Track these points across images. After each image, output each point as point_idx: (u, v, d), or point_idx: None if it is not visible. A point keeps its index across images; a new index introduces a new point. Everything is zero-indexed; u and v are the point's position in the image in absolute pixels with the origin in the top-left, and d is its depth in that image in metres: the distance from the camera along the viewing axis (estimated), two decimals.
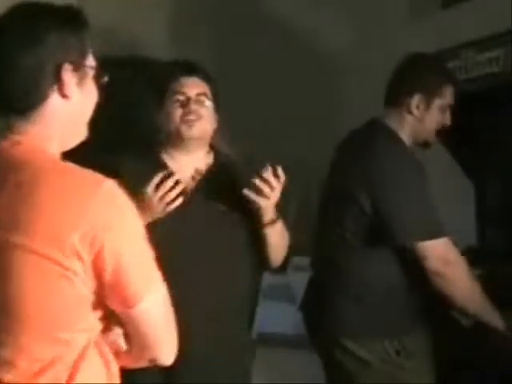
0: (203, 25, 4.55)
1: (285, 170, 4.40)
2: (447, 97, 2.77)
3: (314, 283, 2.94)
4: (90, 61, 1.61)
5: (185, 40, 4.54)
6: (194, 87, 2.65)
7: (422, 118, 2.75)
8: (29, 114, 1.54)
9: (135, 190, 2.33)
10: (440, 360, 2.72)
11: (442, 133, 2.84)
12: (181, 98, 2.62)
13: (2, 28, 1.55)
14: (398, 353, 2.65)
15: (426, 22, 4.04)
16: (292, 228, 4.36)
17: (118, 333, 1.58)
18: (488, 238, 3.65)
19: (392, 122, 2.77)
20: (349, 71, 4.63)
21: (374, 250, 2.68)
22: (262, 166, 2.50)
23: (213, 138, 2.71)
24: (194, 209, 2.53)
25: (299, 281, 3.83)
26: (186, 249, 2.49)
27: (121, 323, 1.57)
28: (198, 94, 2.64)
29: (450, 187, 3.62)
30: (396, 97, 2.78)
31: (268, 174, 2.47)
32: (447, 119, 2.79)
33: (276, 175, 2.49)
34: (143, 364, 1.64)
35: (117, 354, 1.60)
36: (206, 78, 2.71)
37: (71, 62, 1.54)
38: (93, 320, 1.54)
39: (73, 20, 1.58)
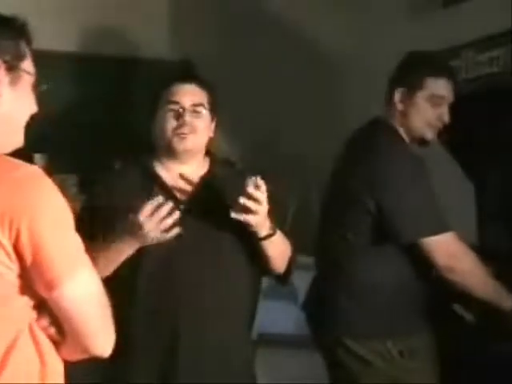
0: (203, 25, 4.55)
1: (285, 169, 4.42)
2: (430, 88, 2.73)
3: (316, 283, 2.94)
4: (28, 66, 1.62)
5: (185, 40, 4.55)
6: (189, 96, 2.47)
7: (408, 113, 2.74)
8: None
9: (127, 204, 2.33)
10: (442, 360, 2.72)
11: (442, 133, 2.84)
12: (175, 107, 2.46)
13: None
14: (400, 353, 2.65)
15: (426, 22, 4.04)
16: (292, 228, 4.37)
17: (47, 319, 1.58)
18: (488, 238, 3.65)
19: (392, 120, 2.78)
20: (349, 71, 4.63)
21: (376, 250, 2.68)
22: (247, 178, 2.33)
23: (208, 145, 2.57)
24: (191, 220, 2.40)
25: (300, 280, 3.84)
26: (185, 261, 2.41)
27: (51, 311, 1.57)
28: (194, 105, 2.47)
29: (450, 187, 3.62)
30: (387, 94, 2.80)
31: (251, 188, 2.29)
32: (444, 115, 2.75)
33: (257, 186, 2.30)
34: (80, 356, 1.62)
35: (55, 344, 1.60)
36: (204, 84, 2.53)
37: (4, 62, 1.57)
38: (20, 308, 1.54)
39: (12, 26, 1.61)
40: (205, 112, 2.50)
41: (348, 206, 2.73)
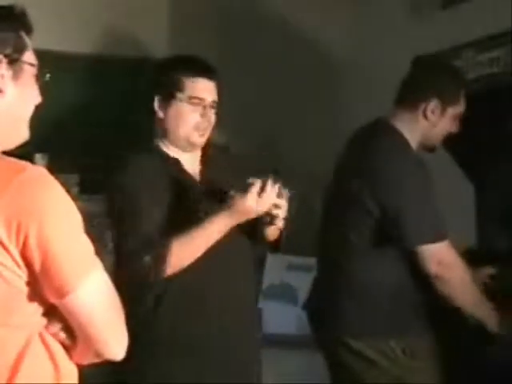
0: (203, 25, 4.55)
1: (285, 169, 4.42)
2: (461, 105, 2.78)
3: (318, 283, 2.94)
4: (30, 58, 1.57)
5: (185, 40, 4.54)
6: (212, 93, 2.56)
7: (436, 124, 2.76)
8: None
9: (151, 187, 2.44)
10: (444, 359, 2.72)
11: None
12: (199, 103, 2.53)
13: None
14: (403, 352, 2.65)
15: (426, 22, 4.04)
16: (292, 228, 4.37)
17: (57, 325, 1.54)
18: (488, 238, 3.65)
19: (400, 123, 2.76)
20: (349, 71, 4.63)
21: (377, 251, 2.68)
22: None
23: None
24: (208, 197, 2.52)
25: (301, 281, 3.84)
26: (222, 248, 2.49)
27: (62, 316, 1.53)
28: (214, 102, 2.57)
29: (450, 187, 3.62)
30: (411, 99, 2.77)
31: (282, 200, 2.45)
32: (455, 127, 2.80)
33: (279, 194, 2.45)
34: (92, 359, 1.58)
35: (66, 348, 1.56)
36: (218, 81, 2.60)
37: (6, 56, 1.52)
38: (30, 315, 1.50)
39: (10, 17, 1.55)
40: (215, 108, 2.59)
41: (349, 206, 2.73)
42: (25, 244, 1.43)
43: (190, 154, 2.59)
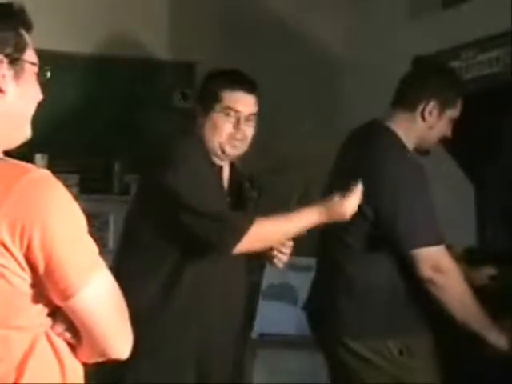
0: (203, 25, 4.56)
1: (285, 169, 4.42)
2: (458, 109, 2.78)
3: (317, 283, 2.94)
4: (30, 56, 1.55)
5: (185, 40, 4.55)
6: (249, 106, 2.61)
7: (433, 126, 2.75)
8: None
9: (213, 182, 2.55)
10: (443, 359, 2.72)
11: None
12: (234, 114, 2.58)
13: None
14: (401, 352, 2.65)
15: (426, 22, 4.04)
16: None
17: (62, 326, 1.53)
18: (488, 238, 3.65)
19: (396, 125, 2.75)
20: (349, 71, 4.63)
21: (375, 253, 2.68)
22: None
23: None
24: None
25: (300, 281, 3.84)
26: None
27: (67, 316, 1.53)
28: (250, 115, 2.61)
29: (450, 187, 3.62)
30: (409, 100, 2.76)
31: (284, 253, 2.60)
32: (449, 131, 2.80)
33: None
34: (97, 358, 1.58)
35: (72, 348, 1.56)
36: (257, 95, 2.67)
37: (7, 56, 1.50)
38: (35, 316, 1.50)
39: (10, 14, 1.53)
40: (254, 121, 2.64)
41: None
42: (29, 247, 1.42)
43: (224, 162, 2.66)
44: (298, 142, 4.54)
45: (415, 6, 4.20)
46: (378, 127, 2.77)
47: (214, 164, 2.60)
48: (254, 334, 3.94)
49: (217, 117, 2.58)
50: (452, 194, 3.62)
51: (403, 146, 2.73)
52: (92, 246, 1.51)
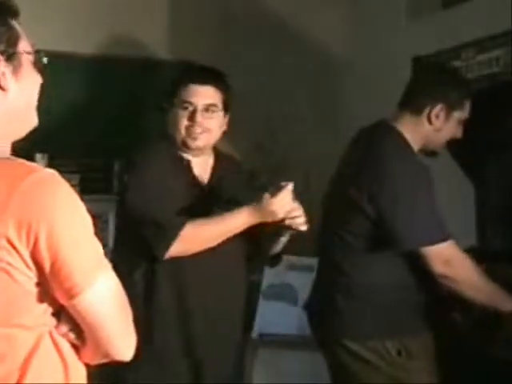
0: (203, 25, 4.55)
1: (284, 169, 4.42)
2: (466, 110, 2.78)
3: (317, 283, 2.94)
4: (24, 46, 1.55)
5: (185, 40, 4.55)
6: (203, 97, 2.63)
7: (440, 129, 2.75)
8: None
9: (163, 185, 2.54)
10: (441, 360, 2.72)
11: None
12: (188, 107, 2.62)
13: None
14: (399, 353, 2.65)
15: (426, 22, 4.04)
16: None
17: (66, 326, 1.54)
18: (488, 238, 3.65)
19: (403, 126, 2.75)
20: (349, 71, 4.63)
21: (375, 253, 2.68)
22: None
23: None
24: (213, 200, 2.61)
25: (301, 281, 3.84)
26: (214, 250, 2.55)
27: (71, 316, 1.53)
28: (207, 105, 2.63)
29: (450, 187, 3.62)
30: (415, 103, 2.76)
31: (294, 208, 2.53)
32: (459, 132, 2.80)
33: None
34: (101, 359, 1.58)
35: (76, 348, 1.56)
36: (219, 86, 2.67)
37: (2, 53, 1.50)
38: (40, 315, 1.50)
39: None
40: (218, 112, 2.65)
41: (348, 208, 2.73)
42: (35, 245, 1.43)
43: (198, 158, 2.68)
44: (298, 142, 4.54)
45: (415, 6, 4.20)
46: (383, 127, 2.77)
47: (181, 160, 2.65)
48: (254, 334, 3.94)
49: (175, 112, 2.64)
50: (452, 194, 3.62)
51: (408, 147, 2.73)
52: (97, 247, 1.52)
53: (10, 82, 1.52)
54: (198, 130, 2.61)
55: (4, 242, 1.42)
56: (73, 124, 4.25)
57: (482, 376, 2.80)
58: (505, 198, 3.59)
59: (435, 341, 2.73)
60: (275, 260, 2.82)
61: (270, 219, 2.49)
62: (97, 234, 1.55)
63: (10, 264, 1.43)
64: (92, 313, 1.49)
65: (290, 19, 4.63)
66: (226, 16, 4.57)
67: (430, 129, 2.75)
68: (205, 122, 2.62)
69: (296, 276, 3.97)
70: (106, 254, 1.58)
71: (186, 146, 2.63)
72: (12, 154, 1.57)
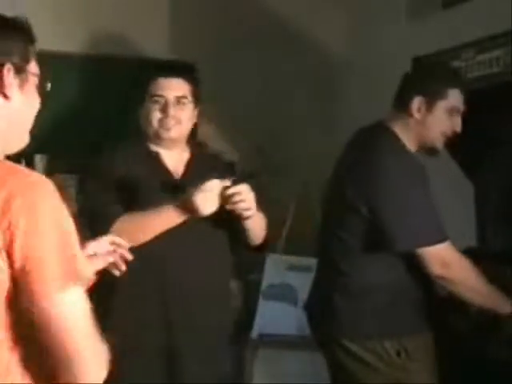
0: (203, 25, 4.55)
1: (284, 170, 4.42)
2: (451, 99, 2.74)
3: (316, 283, 2.94)
4: (34, 68, 1.64)
5: (185, 40, 4.55)
6: (173, 90, 2.70)
7: (425, 121, 2.72)
8: None
9: (131, 181, 2.59)
10: (441, 360, 2.72)
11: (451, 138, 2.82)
12: (160, 100, 2.69)
13: None
14: (398, 353, 2.65)
15: (426, 22, 4.04)
16: (292, 229, 4.38)
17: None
18: (488, 238, 3.65)
19: (396, 126, 2.75)
20: (349, 71, 4.63)
21: (373, 253, 2.68)
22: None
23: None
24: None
25: (300, 281, 3.84)
26: (181, 238, 2.57)
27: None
28: (178, 97, 2.69)
29: (450, 187, 3.62)
30: (400, 101, 2.76)
31: (235, 188, 2.53)
32: (457, 125, 2.76)
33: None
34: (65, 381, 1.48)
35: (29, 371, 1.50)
36: (188, 78, 2.75)
37: (13, 64, 1.59)
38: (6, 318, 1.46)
39: (17, 28, 1.62)
40: (188, 103, 2.71)
41: (344, 210, 2.72)
42: (10, 245, 1.43)
43: (171, 151, 2.74)
44: (297, 142, 4.54)
45: (415, 6, 4.20)
46: (378, 128, 2.77)
47: (149, 153, 2.71)
48: (254, 334, 3.94)
49: (147, 106, 2.72)
50: (452, 194, 3.62)
51: (402, 146, 2.72)
52: (75, 257, 1.48)
53: (14, 93, 1.59)
54: (171, 121, 2.68)
55: None
56: (72, 124, 4.25)
57: (480, 377, 2.80)
58: (505, 198, 3.59)
59: (434, 341, 2.73)
60: (260, 247, 2.82)
61: (196, 215, 2.50)
62: None
63: None
64: (57, 322, 1.44)
65: (290, 19, 4.63)
66: (225, 16, 4.57)
67: (415, 123, 2.73)
68: (177, 114, 2.68)
69: (296, 276, 3.97)
70: None
71: (158, 139, 2.70)
72: (13, 155, 1.61)
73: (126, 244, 2.10)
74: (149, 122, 2.71)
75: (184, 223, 2.55)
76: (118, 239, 2.09)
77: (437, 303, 2.75)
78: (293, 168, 4.43)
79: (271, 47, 4.59)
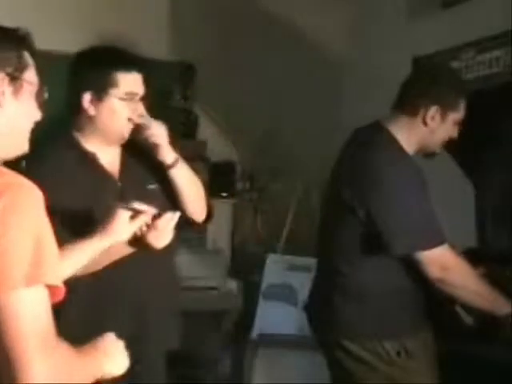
0: (203, 25, 4.56)
1: (285, 170, 4.42)
2: (461, 112, 2.76)
3: (316, 284, 2.94)
4: (30, 77, 1.66)
5: (185, 40, 4.55)
6: (139, 87, 2.54)
7: (435, 130, 2.74)
8: None
9: (63, 183, 2.40)
10: (441, 360, 2.72)
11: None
12: (133, 98, 2.52)
13: None
14: (398, 353, 2.65)
15: (426, 22, 4.04)
16: (292, 229, 4.38)
17: None
18: (488, 238, 3.65)
19: (397, 128, 2.74)
20: (349, 72, 4.63)
21: (372, 255, 2.68)
22: None
23: None
24: (129, 198, 2.41)
25: (300, 281, 3.84)
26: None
27: None
28: (141, 95, 2.55)
29: (450, 187, 3.62)
30: (410, 105, 2.75)
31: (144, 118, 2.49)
32: (455, 133, 2.79)
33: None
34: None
35: None
36: (146, 74, 2.58)
37: (8, 74, 1.61)
38: None
39: (14, 37, 1.65)
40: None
41: (342, 212, 2.72)
42: None
43: (108, 149, 2.58)
44: (297, 143, 4.54)
45: (415, 6, 4.21)
46: (376, 129, 2.76)
47: (85, 154, 2.52)
48: (254, 334, 3.95)
49: (115, 102, 2.52)
50: (452, 194, 3.62)
51: (401, 149, 2.72)
52: (44, 257, 1.47)
53: (7, 101, 1.61)
54: (136, 119, 2.52)
55: None
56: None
57: (480, 377, 2.80)
58: (505, 199, 3.59)
59: (435, 340, 2.73)
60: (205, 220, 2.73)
61: (116, 241, 2.32)
62: None
63: None
64: (13, 317, 1.42)
65: (290, 19, 4.63)
66: (226, 16, 4.57)
67: (426, 130, 2.74)
68: (143, 112, 2.54)
69: (296, 276, 3.97)
70: None
71: (120, 138, 2.53)
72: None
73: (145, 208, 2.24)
74: (118, 119, 2.51)
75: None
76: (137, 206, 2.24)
77: (436, 303, 2.75)
78: (293, 168, 4.43)
79: (271, 47, 4.59)
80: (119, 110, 2.52)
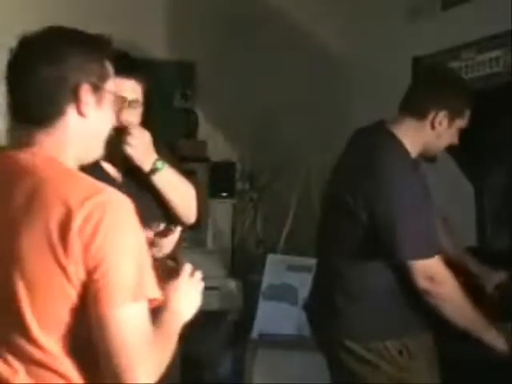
0: (203, 25, 4.56)
1: (285, 170, 4.42)
2: (466, 119, 2.78)
3: (316, 284, 2.94)
4: (110, 86, 1.71)
5: (185, 40, 4.55)
6: (129, 92, 2.45)
7: (441, 135, 2.75)
8: (46, 125, 1.64)
9: None
10: (442, 360, 2.72)
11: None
12: (121, 103, 2.39)
13: (32, 43, 1.66)
14: (400, 353, 2.65)
15: (426, 23, 4.04)
16: (293, 229, 4.38)
17: None
18: (488, 238, 3.65)
19: (403, 131, 2.73)
20: (349, 72, 4.63)
21: (370, 255, 2.68)
22: None
23: None
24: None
25: (300, 281, 3.84)
26: None
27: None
28: (131, 101, 2.46)
29: (450, 188, 3.62)
30: (419, 108, 2.75)
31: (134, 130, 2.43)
32: (456, 139, 2.80)
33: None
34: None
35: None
36: (141, 77, 2.53)
37: (90, 83, 1.65)
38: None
39: (97, 47, 1.69)
40: (139, 107, 2.52)
41: (343, 214, 2.72)
42: (89, 243, 1.51)
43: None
44: (297, 142, 4.54)
45: (415, 6, 4.21)
46: (382, 131, 2.75)
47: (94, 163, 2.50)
48: (254, 334, 3.94)
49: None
50: (452, 194, 3.62)
51: (406, 155, 2.72)
52: (145, 275, 1.57)
53: (91, 111, 1.66)
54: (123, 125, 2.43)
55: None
56: None
57: (480, 377, 2.80)
58: (505, 198, 3.59)
59: (436, 340, 2.73)
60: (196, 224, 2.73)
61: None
62: None
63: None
64: (120, 330, 1.53)
65: (290, 19, 4.63)
66: (225, 16, 4.58)
67: (432, 134, 2.74)
68: (128, 118, 2.44)
69: (296, 276, 3.97)
70: None
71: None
72: None
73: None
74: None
75: None
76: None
77: None
78: (293, 168, 4.43)
79: (271, 47, 4.59)
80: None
